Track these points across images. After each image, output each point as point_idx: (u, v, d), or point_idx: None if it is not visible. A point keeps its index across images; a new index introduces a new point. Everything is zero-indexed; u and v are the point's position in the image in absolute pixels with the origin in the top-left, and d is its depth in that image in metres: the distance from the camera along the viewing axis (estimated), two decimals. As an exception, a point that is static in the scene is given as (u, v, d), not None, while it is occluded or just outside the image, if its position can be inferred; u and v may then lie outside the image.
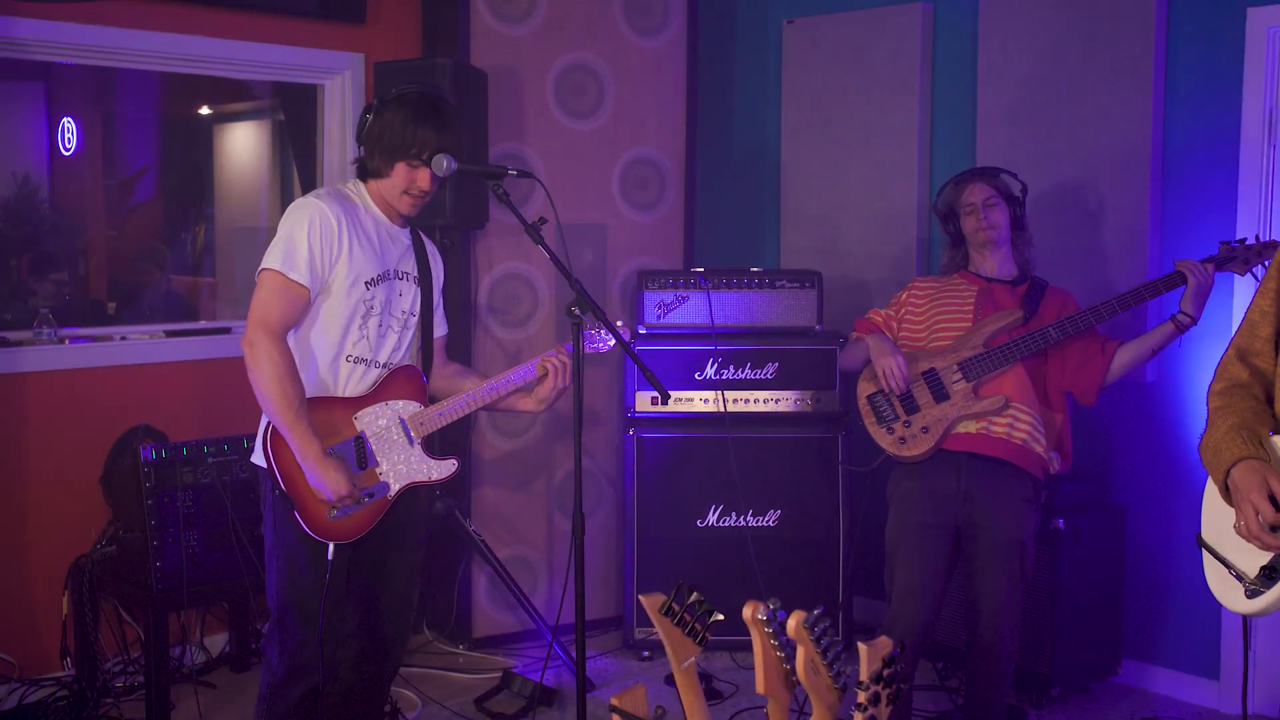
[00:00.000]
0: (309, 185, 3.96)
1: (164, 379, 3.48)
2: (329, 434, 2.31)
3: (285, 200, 5.14)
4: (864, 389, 2.87)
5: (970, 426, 2.72)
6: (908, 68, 3.75)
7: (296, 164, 4.09)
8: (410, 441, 2.41)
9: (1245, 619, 1.84)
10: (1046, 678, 3.20)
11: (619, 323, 2.59)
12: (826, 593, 3.52)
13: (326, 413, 2.32)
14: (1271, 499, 1.73)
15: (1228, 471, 1.80)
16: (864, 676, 1.54)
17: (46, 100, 4.76)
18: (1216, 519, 1.91)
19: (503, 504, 3.68)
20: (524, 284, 3.68)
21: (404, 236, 2.45)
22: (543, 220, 2.35)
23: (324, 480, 2.24)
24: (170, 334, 3.60)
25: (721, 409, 3.50)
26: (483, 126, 3.41)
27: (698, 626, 1.71)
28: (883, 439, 2.81)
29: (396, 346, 2.43)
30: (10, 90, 4.70)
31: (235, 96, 5.45)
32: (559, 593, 3.64)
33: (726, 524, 3.54)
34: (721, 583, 3.34)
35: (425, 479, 2.43)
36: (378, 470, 2.38)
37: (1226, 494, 1.83)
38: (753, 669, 1.64)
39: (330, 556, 2.30)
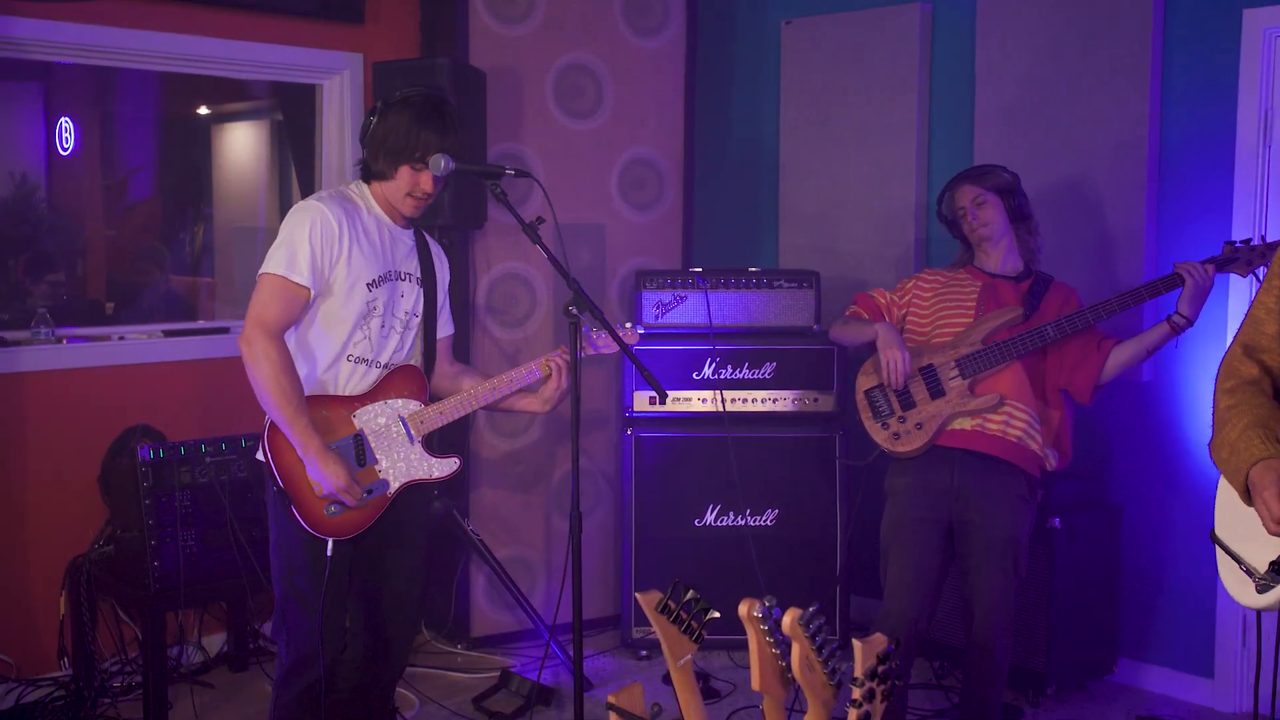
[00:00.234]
0: (307, 185, 3.96)
1: (162, 379, 3.48)
2: (327, 432, 2.32)
3: (284, 200, 5.15)
4: (863, 383, 2.88)
5: (965, 423, 2.73)
6: (906, 68, 3.76)
7: (295, 164, 4.10)
8: (411, 439, 2.42)
9: (1257, 616, 1.85)
10: (1043, 676, 3.20)
11: (628, 324, 2.61)
12: (824, 592, 3.52)
13: (324, 411, 2.33)
14: None
15: (1247, 472, 1.80)
16: (859, 673, 1.55)
17: (44, 100, 4.77)
18: (1229, 515, 1.92)
19: (501, 504, 3.68)
20: (522, 284, 3.68)
21: (407, 237, 2.46)
22: (540, 220, 2.36)
23: (323, 473, 2.25)
24: (168, 334, 3.61)
25: (719, 409, 3.50)
26: (481, 126, 3.42)
27: (694, 624, 1.71)
28: (877, 434, 2.82)
29: (399, 347, 2.44)
30: (8, 90, 4.70)
31: (234, 96, 5.45)
32: (557, 592, 3.65)
33: (724, 523, 3.55)
34: (719, 582, 3.35)
35: (426, 477, 2.44)
36: (377, 468, 2.39)
37: (1246, 495, 1.82)
38: (750, 668, 1.64)
39: (329, 553, 2.31)
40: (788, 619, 1.55)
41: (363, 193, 2.41)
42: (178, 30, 3.41)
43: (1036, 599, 3.17)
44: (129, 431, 3.28)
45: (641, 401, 3.55)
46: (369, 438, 2.38)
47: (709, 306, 3.55)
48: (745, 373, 3.55)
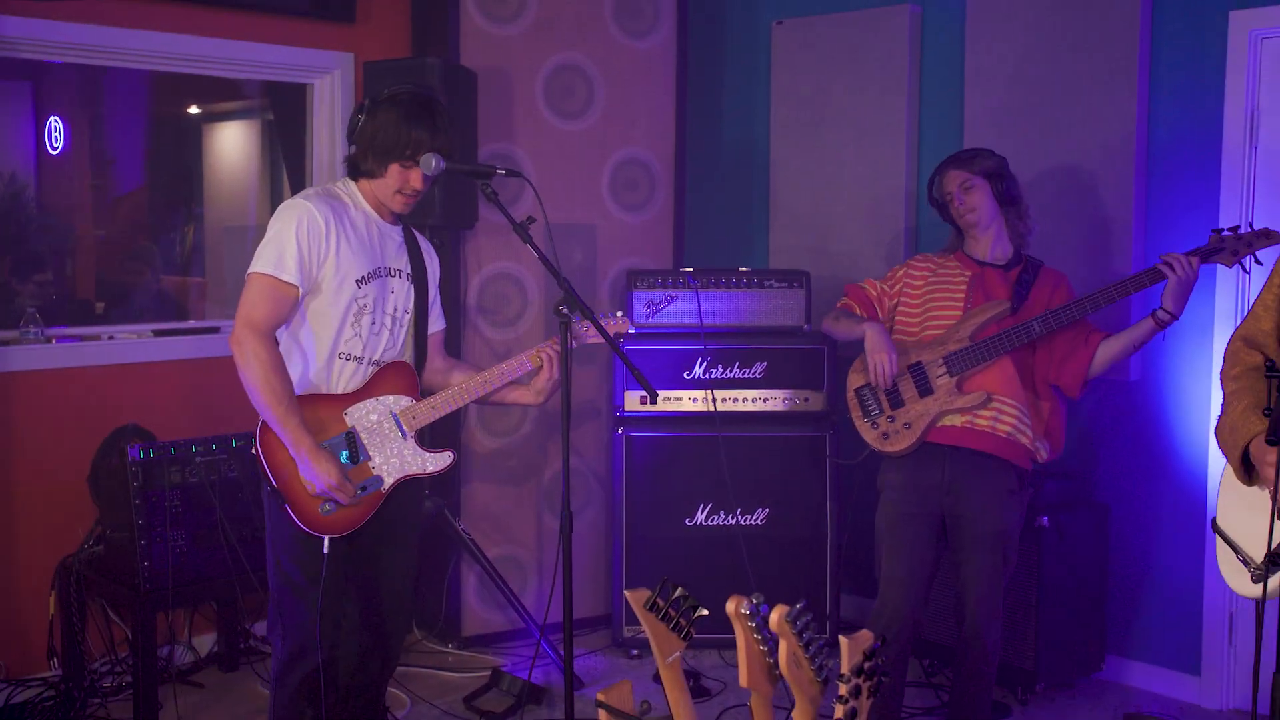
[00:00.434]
0: (298, 184, 3.96)
1: (152, 379, 3.47)
2: (318, 431, 2.33)
3: (275, 199, 5.14)
4: (853, 381, 2.89)
5: (955, 420, 2.74)
6: (896, 69, 3.77)
7: (286, 163, 4.09)
8: (403, 435, 2.42)
9: (1258, 607, 1.89)
10: (1031, 674, 3.22)
11: (619, 313, 2.61)
12: (814, 590, 3.54)
13: (315, 410, 2.34)
14: None
15: (1245, 448, 1.90)
16: (845, 669, 1.56)
17: (34, 99, 4.75)
18: (1231, 505, 1.99)
19: (492, 503, 3.69)
20: (513, 284, 3.69)
21: (396, 234, 2.46)
22: (531, 219, 2.36)
23: (315, 470, 2.26)
24: (159, 334, 3.60)
25: (710, 408, 3.51)
26: (472, 126, 3.42)
27: (682, 621, 1.72)
28: (867, 433, 2.83)
29: (390, 344, 2.44)
30: (-2, 89, 4.68)
31: (224, 96, 5.44)
32: (548, 591, 3.65)
33: (715, 522, 3.56)
34: (710, 581, 3.36)
35: (420, 471, 2.45)
36: (370, 464, 2.39)
37: (1243, 472, 1.93)
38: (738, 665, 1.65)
39: (325, 550, 2.32)
40: (774, 615, 1.56)
41: (350, 190, 2.42)
42: (169, 29, 3.40)
43: (1025, 597, 3.19)
44: (119, 431, 3.27)
45: (632, 401, 3.56)
46: (361, 434, 2.39)
47: (700, 306, 3.56)
48: (736, 372, 3.56)
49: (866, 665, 1.56)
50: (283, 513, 2.32)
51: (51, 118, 4.75)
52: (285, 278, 2.27)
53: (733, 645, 1.67)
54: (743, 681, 1.63)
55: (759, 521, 3.56)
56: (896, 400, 2.80)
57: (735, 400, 3.55)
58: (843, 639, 1.59)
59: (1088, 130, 3.35)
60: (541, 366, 2.49)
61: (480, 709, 3.21)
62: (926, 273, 2.89)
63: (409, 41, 3.84)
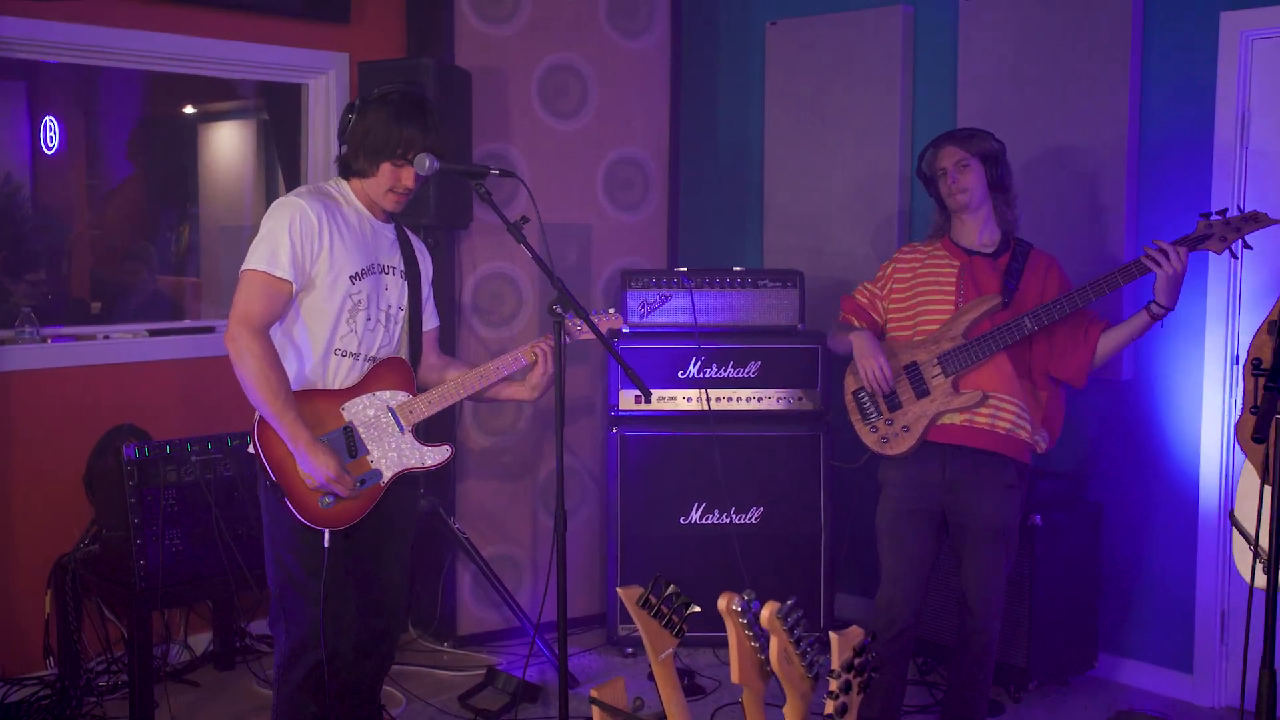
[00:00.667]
0: (293, 184, 3.96)
1: (147, 378, 3.48)
2: (316, 426, 2.33)
3: (270, 199, 5.11)
4: (850, 384, 2.89)
5: (955, 418, 2.73)
6: (889, 69, 3.79)
7: (281, 163, 4.10)
8: (401, 429, 2.44)
9: (1269, 600, 1.92)
10: (1024, 671, 3.23)
11: (611, 310, 2.62)
12: (809, 588, 3.55)
13: (312, 406, 2.35)
14: None
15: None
16: (836, 665, 1.57)
17: (28, 99, 4.74)
18: (1246, 497, 2.06)
19: (487, 501, 3.70)
20: (508, 283, 3.69)
21: (389, 232, 2.48)
22: (525, 219, 2.37)
23: (314, 464, 2.27)
24: (154, 333, 3.60)
25: (705, 407, 3.52)
26: (467, 127, 3.43)
27: (675, 618, 1.73)
28: (867, 437, 2.83)
29: (385, 340, 2.46)
30: (-7, 89, 4.68)
31: (219, 96, 5.44)
32: (543, 590, 3.66)
33: (709, 521, 3.57)
34: (705, 579, 3.37)
35: (419, 465, 2.46)
36: (369, 458, 2.40)
37: (1265, 469, 1.99)
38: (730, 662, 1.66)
39: (326, 544, 2.33)
40: (766, 612, 1.57)
41: (342, 189, 2.43)
42: (164, 29, 3.41)
43: (1018, 595, 3.20)
44: (114, 430, 3.28)
45: (627, 400, 3.57)
46: (359, 429, 2.40)
47: (694, 306, 3.57)
48: (730, 372, 3.57)
49: (857, 661, 1.57)
50: (282, 507, 2.32)
51: (46, 117, 4.75)
52: (279, 274, 2.28)
53: (727, 643, 1.68)
54: (734, 677, 1.64)
55: (753, 520, 3.57)
56: (894, 403, 2.80)
57: (729, 399, 3.56)
58: (833, 635, 1.60)
59: (1080, 131, 3.36)
60: (536, 361, 2.51)
61: (475, 707, 3.22)
62: (915, 264, 2.86)
63: (404, 41, 3.84)
